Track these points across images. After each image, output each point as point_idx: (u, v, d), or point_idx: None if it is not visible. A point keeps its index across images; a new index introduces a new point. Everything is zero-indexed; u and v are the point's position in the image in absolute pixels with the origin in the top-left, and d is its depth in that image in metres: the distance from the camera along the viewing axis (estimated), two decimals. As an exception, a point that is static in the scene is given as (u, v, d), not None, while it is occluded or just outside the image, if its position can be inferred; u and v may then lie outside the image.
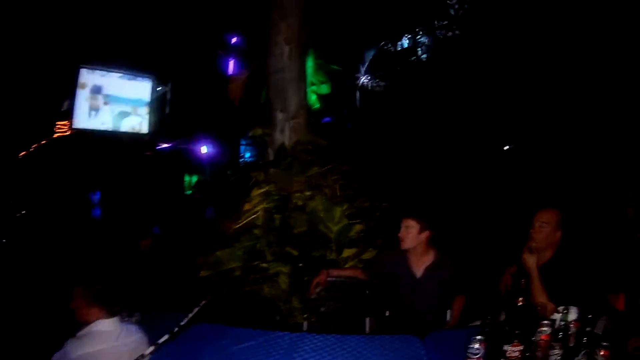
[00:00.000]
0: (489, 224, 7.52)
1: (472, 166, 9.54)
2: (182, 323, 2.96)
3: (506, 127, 10.16)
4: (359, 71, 7.94)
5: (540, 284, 3.13)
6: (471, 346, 2.58)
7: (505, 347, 2.55)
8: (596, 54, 9.00)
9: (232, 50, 8.31)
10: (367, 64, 7.84)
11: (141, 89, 11.67)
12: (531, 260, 3.27)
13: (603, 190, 6.99)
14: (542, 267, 3.26)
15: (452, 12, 7.16)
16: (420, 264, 3.78)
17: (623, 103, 8.73)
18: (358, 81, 8.03)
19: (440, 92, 8.55)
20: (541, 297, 3.07)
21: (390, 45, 7.57)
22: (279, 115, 5.04)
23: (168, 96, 11.29)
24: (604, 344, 2.53)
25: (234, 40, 8.35)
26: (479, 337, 2.58)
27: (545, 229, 3.36)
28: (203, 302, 3.40)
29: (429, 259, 3.79)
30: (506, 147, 10.89)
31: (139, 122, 11.56)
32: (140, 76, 11.54)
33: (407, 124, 8.83)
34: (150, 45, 10.24)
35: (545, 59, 8.73)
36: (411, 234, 3.72)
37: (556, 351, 2.57)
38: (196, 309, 3.25)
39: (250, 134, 5.52)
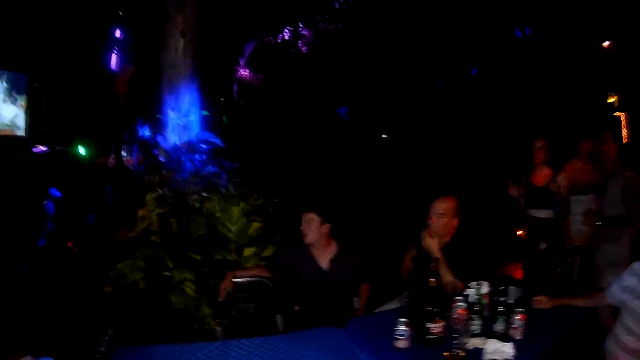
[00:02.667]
0: (382, 212, 7.85)
1: (360, 156, 9.90)
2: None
3: (389, 117, 10.67)
4: (238, 63, 7.76)
5: (446, 265, 3.30)
6: (397, 328, 2.70)
7: (428, 325, 2.71)
8: (475, 46, 9.76)
9: (117, 44, 7.63)
10: (246, 56, 7.71)
11: (15, 84, 10.34)
12: (434, 244, 3.42)
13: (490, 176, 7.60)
14: (443, 250, 3.43)
15: (336, 5, 7.23)
16: (324, 256, 3.84)
17: (506, 92, 9.59)
18: (237, 74, 7.85)
19: (322, 84, 8.70)
20: (449, 277, 3.25)
21: (271, 38, 7.50)
22: (171, 113, 4.79)
23: (44, 93, 10.07)
24: (519, 309, 2.81)
25: (118, 33, 7.67)
26: (402, 319, 2.70)
27: (443, 218, 3.53)
28: (111, 329, 3.15)
29: (332, 250, 3.86)
30: (385, 136, 11.44)
31: (12, 123, 10.24)
32: (10, 72, 10.18)
33: (290, 117, 8.88)
34: (21, 36, 9.02)
35: (427, 52, 9.31)
36: (313, 227, 3.76)
37: (475, 322, 2.79)
38: (107, 337, 3.00)
39: (139, 133, 5.18)
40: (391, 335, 2.73)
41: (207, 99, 5.87)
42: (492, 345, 2.65)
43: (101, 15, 7.79)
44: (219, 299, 3.85)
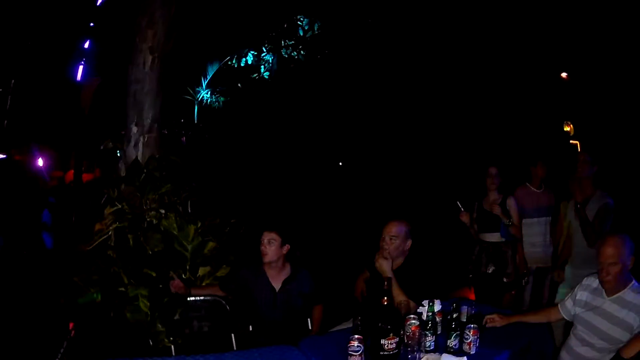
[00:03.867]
0: (334, 235, 7.89)
1: (315, 180, 9.99)
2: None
3: (345, 144, 10.85)
4: (200, 85, 7.75)
5: (398, 286, 3.37)
6: (351, 344, 2.72)
7: (383, 341, 2.73)
8: (432, 75, 10.06)
9: (85, 55, 7.48)
10: (209, 78, 7.71)
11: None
12: (386, 265, 3.47)
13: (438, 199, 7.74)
14: (396, 272, 3.50)
15: (301, 32, 7.36)
16: (278, 277, 3.84)
17: (462, 117, 9.85)
18: (198, 95, 7.85)
19: (281, 109, 8.79)
20: (401, 297, 3.30)
21: (234, 61, 7.52)
22: (134, 129, 4.73)
23: (5, 101, 9.73)
24: (472, 325, 2.89)
25: (86, 44, 7.51)
26: (356, 336, 2.73)
27: (396, 241, 3.60)
28: (65, 342, 3.08)
29: (286, 272, 3.87)
30: (340, 163, 11.64)
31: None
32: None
33: (249, 141, 8.92)
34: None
35: (385, 80, 9.55)
36: (274, 247, 3.76)
37: (429, 338, 2.86)
38: (62, 351, 2.92)
39: (101, 147, 5.09)
40: (345, 352, 2.73)
41: (168, 118, 5.85)
42: (447, 360, 2.70)
43: (69, 25, 7.70)
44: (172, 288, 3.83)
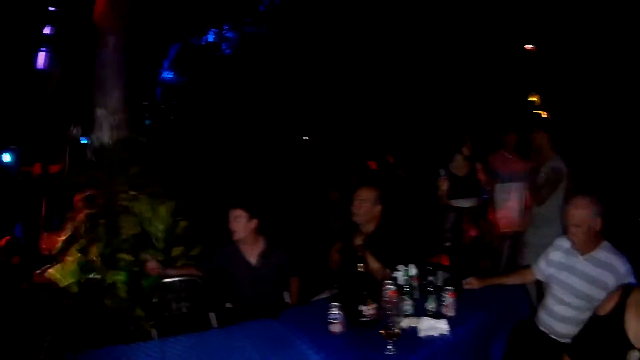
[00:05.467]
0: (305, 208, 7.91)
1: (280, 155, 9.96)
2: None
3: (310, 118, 10.81)
4: (162, 65, 7.58)
5: (371, 253, 3.43)
6: (330, 312, 2.76)
7: (361, 308, 2.78)
8: (402, 45, 10.04)
9: (45, 41, 7.17)
10: (171, 58, 7.54)
11: None
12: (359, 237, 3.58)
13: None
14: (368, 238, 3.59)
15: (261, 8, 7.22)
16: (253, 252, 3.87)
17: (431, 90, 9.87)
18: (161, 76, 7.67)
19: (246, 87, 8.69)
20: (375, 264, 3.38)
21: (195, 40, 7.36)
22: (101, 112, 4.63)
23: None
24: (448, 288, 2.95)
25: (47, 30, 7.19)
26: (334, 303, 2.77)
27: (365, 204, 3.68)
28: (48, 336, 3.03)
29: (260, 246, 3.89)
30: (305, 137, 11.63)
31: None
32: None
33: (213, 119, 8.81)
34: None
35: (348, 54, 9.51)
36: (241, 223, 3.78)
37: (407, 302, 2.91)
38: (45, 345, 2.88)
39: (67, 133, 4.96)
40: (326, 321, 2.78)
41: (133, 101, 5.74)
42: (426, 323, 2.77)
43: (29, 11, 7.40)
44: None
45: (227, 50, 7.65)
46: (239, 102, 8.97)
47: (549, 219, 4.82)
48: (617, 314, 2.27)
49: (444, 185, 5.38)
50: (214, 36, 7.45)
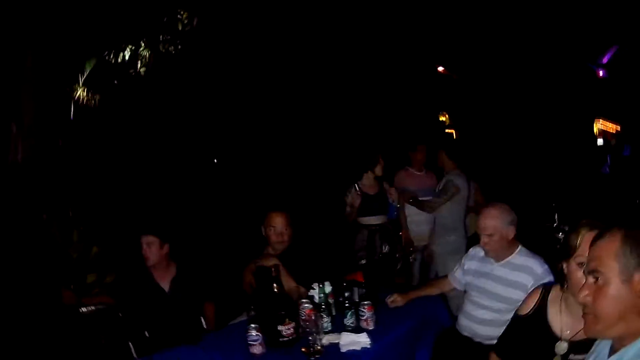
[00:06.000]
0: (217, 231, 7.78)
1: (192, 177, 9.78)
2: None
3: (220, 141, 10.72)
4: (77, 82, 7.20)
5: (286, 272, 3.42)
6: (250, 334, 2.75)
7: (280, 327, 2.78)
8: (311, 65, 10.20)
9: None
10: (86, 75, 7.17)
11: None
12: (271, 257, 3.58)
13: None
14: (281, 259, 3.55)
15: (180, 27, 7.06)
16: (166, 278, 3.80)
17: (342, 110, 10.06)
18: (75, 93, 7.27)
19: (158, 107, 8.48)
20: (291, 283, 3.38)
21: (112, 56, 7.06)
22: (14, 129, 4.36)
23: None
24: (366, 302, 2.99)
25: None
26: (252, 325, 2.75)
27: (279, 229, 3.70)
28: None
29: (172, 271, 3.83)
30: (215, 160, 11.55)
31: None
32: None
33: (126, 139, 8.50)
34: None
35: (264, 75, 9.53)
36: (153, 249, 3.71)
37: (325, 319, 2.93)
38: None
39: None
40: (245, 343, 2.76)
41: (45, 119, 5.46)
42: (347, 338, 2.80)
43: None
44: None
45: (142, 69, 7.39)
46: (152, 124, 8.73)
47: (450, 228, 5.20)
48: (540, 311, 2.39)
49: (357, 203, 5.51)
50: (130, 53, 7.18)
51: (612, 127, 15.68)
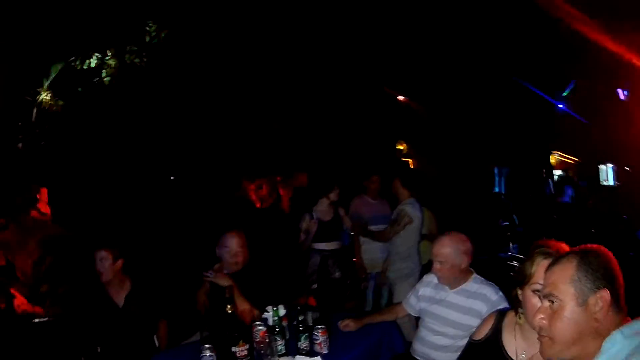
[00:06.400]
0: (172, 249, 7.71)
1: (149, 192, 9.65)
2: None
3: (179, 157, 10.62)
4: (42, 86, 7.02)
5: (240, 293, 3.46)
6: (203, 355, 2.78)
7: (234, 349, 2.83)
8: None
9: None
10: (51, 79, 7.02)
11: None
12: (225, 278, 3.60)
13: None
14: (235, 278, 3.59)
15: (147, 38, 6.99)
16: (120, 294, 3.79)
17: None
18: (38, 96, 7.10)
19: (119, 118, 8.36)
20: (244, 305, 3.43)
21: (78, 62, 6.94)
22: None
23: None
24: (320, 326, 3.05)
25: None
26: (207, 345, 2.79)
27: (233, 249, 3.76)
28: None
29: (126, 287, 3.82)
30: (172, 177, 11.45)
31: None
32: None
33: (85, 148, 8.33)
34: None
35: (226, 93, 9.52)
36: (107, 265, 3.71)
37: (279, 342, 2.99)
38: None
39: None
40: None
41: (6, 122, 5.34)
42: (300, 361, 2.85)
43: None
44: None
45: (107, 78, 7.27)
46: (112, 134, 8.58)
47: (404, 256, 5.26)
48: (494, 336, 2.44)
49: (312, 229, 5.60)
50: (96, 60, 7.05)
51: (570, 160, 16.55)
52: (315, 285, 5.46)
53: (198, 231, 6.82)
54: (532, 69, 12.30)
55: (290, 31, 9.19)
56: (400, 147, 13.92)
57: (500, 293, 3.13)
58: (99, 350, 3.76)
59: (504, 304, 2.98)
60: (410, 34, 10.46)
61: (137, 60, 7.16)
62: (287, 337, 3.15)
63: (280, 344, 3.00)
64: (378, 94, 12.30)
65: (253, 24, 8.78)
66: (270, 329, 3.00)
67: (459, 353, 2.71)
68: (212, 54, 8.70)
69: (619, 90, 11.72)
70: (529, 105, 13.56)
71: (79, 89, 7.22)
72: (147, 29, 7.09)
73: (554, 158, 16.65)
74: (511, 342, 2.37)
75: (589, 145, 13.41)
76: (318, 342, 3.02)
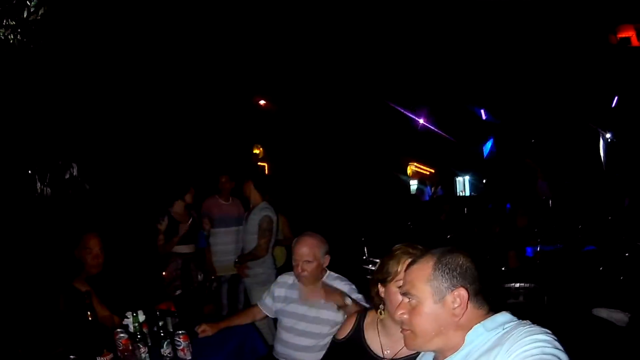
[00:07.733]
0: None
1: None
2: None
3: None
4: None
5: (98, 300, 3.42)
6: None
7: (98, 359, 2.79)
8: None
9: None
10: None
11: None
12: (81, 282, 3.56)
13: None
14: (92, 283, 3.58)
15: (25, 14, 6.23)
16: None
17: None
18: None
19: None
20: (104, 311, 3.42)
21: None
22: None
23: None
24: (181, 332, 3.07)
25: None
26: (72, 356, 2.75)
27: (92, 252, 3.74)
28: None
29: None
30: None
31: None
32: None
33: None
34: None
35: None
36: None
37: (142, 350, 2.97)
38: None
39: None
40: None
41: None
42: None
43: None
44: None
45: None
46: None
47: (259, 260, 5.22)
48: (357, 334, 2.53)
49: (182, 231, 5.49)
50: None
51: (426, 170, 17.99)
52: (180, 291, 5.37)
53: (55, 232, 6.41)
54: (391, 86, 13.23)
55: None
56: (256, 151, 14.14)
57: (353, 285, 3.27)
58: None
59: (355, 294, 3.15)
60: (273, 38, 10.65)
61: (11, 36, 6.42)
62: (149, 344, 3.12)
63: (144, 352, 2.96)
64: (237, 97, 12.36)
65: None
66: (131, 337, 2.96)
67: (322, 353, 2.79)
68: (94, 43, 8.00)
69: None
70: (387, 118, 14.57)
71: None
72: (28, 3, 6.34)
73: (410, 169, 18.15)
74: (375, 339, 2.48)
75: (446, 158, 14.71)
76: (181, 347, 3.03)
